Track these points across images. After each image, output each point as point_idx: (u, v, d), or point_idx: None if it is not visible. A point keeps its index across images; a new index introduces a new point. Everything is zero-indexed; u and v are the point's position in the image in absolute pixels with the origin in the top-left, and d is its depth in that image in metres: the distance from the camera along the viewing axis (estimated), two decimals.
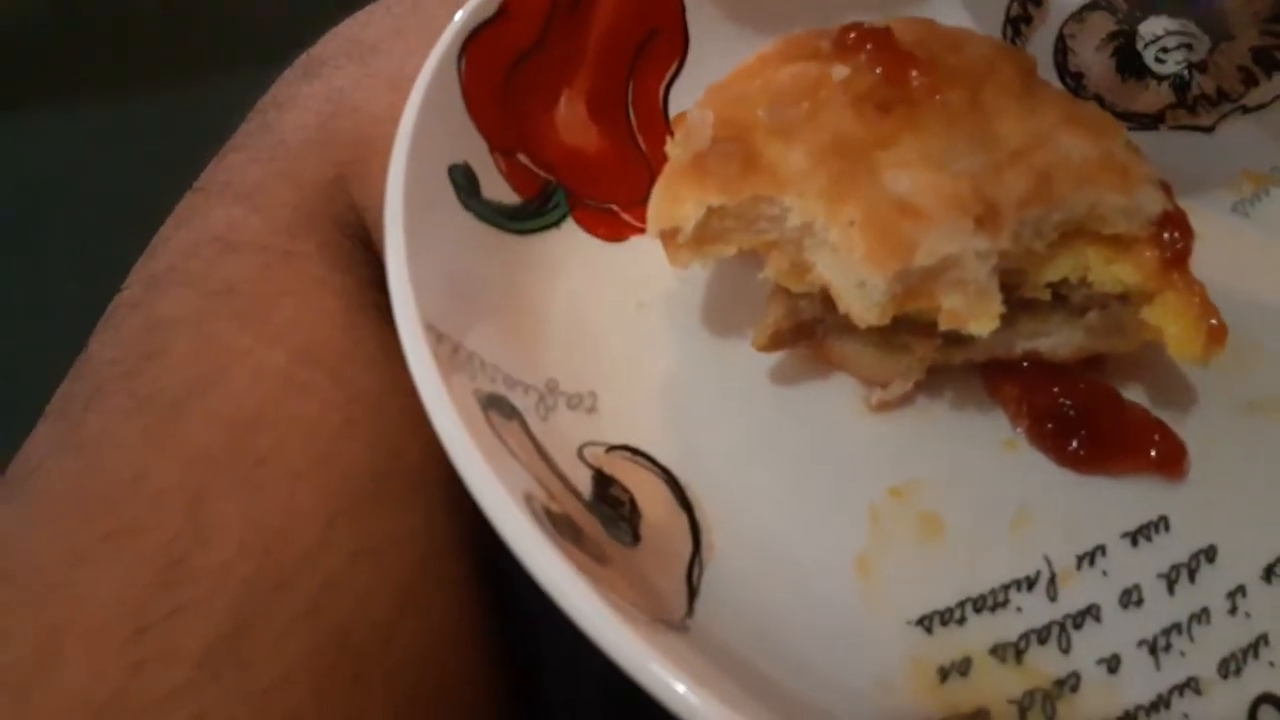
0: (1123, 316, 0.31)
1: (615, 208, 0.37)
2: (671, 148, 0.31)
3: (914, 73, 0.31)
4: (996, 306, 0.28)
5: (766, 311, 0.32)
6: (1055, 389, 0.32)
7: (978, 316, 0.28)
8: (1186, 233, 0.30)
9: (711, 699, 0.20)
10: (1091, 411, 0.31)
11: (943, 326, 0.29)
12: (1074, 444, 0.31)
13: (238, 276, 0.33)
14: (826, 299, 0.30)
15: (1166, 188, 0.30)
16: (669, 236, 0.31)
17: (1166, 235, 0.30)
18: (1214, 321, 0.29)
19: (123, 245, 0.37)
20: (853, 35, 0.32)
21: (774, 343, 0.32)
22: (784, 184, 0.29)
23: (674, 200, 0.30)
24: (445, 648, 0.31)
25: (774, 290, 0.32)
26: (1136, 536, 0.29)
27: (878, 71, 0.31)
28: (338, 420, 0.31)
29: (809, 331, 0.32)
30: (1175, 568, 0.29)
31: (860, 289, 0.28)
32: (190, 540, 0.27)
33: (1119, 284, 0.30)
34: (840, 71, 0.31)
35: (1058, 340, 0.32)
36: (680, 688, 0.20)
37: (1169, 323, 0.30)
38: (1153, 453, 0.30)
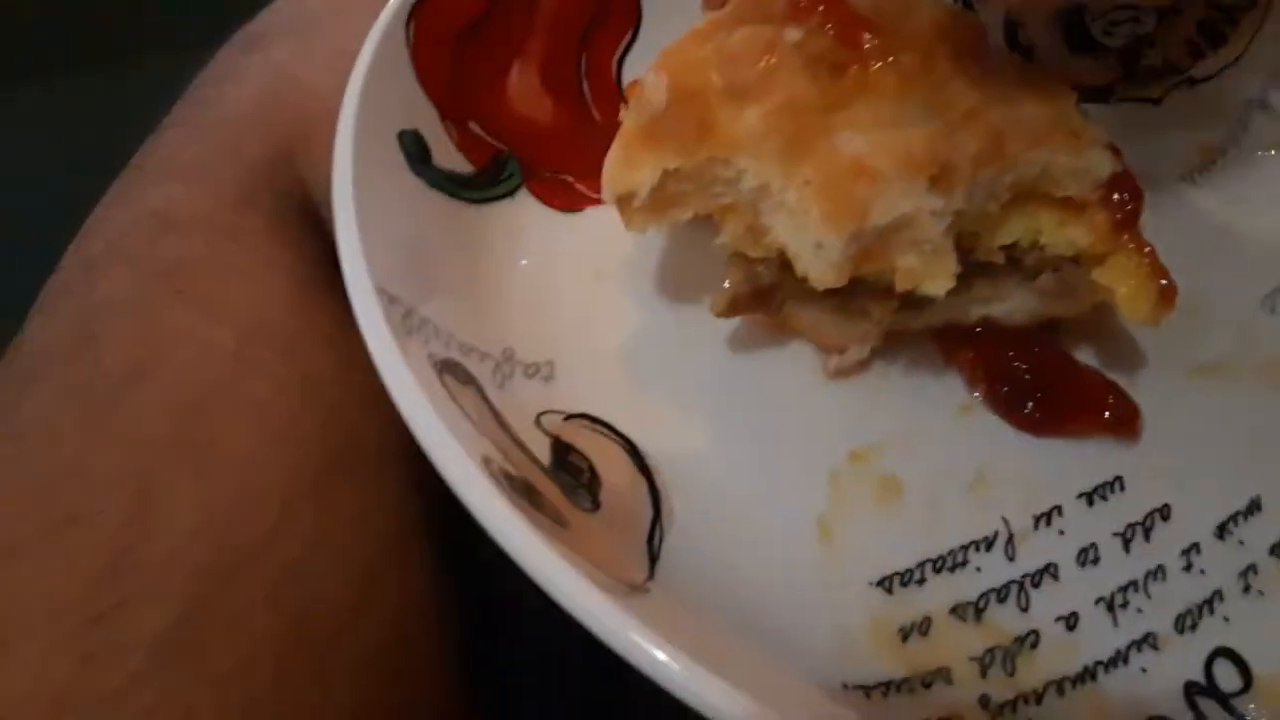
0: (1075, 279, 0.31)
1: (570, 178, 0.37)
2: (625, 114, 0.31)
3: (867, 35, 0.30)
4: (951, 265, 0.28)
5: (725, 277, 0.32)
6: (1010, 354, 0.32)
7: (933, 275, 0.28)
8: (1136, 195, 0.30)
9: (680, 656, 0.20)
10: (1046, 375, 0.31)
11: (899, 287, 0.29)
12: (1029, 407, 0.31)
13: (180, 255, 0.32)
14: (784, 264, 0.30)
15: (1116, 151, 0.31)
16: (625, 201, 0.30)
17: (1116, 197, 0.30)
18: (1164, 282, 0.29)
19: (58, 229, 0.36)
20: None
21: (732, 308, 0.32)
22: (739, 146, 0.29)
23: (629, 164, 0.30)
24: (410, 631, 0.30)
25: (731, 256, 0.32)
26: (1092, 496, 0.29)
27: (830, 33, 0.30)
28: (290, 401, 0.30)
29: (767, 297, 0.32)
30: (1131, 526, 0.29)
31: (817, 250, 0.28)
32: (138, 528, 0.27)
33: (1071, 246, 0.30)
34: (793, 34, 0.30)
35: (1012, 305, 0.32)
36: (649, 647, 0.20)
37: (1120, 283, 0.30)
38: (1106, 415, 0.31)
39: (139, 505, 0.27)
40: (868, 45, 0.30)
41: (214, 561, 0.27)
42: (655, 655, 0.20)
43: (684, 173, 0.29)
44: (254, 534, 0.28)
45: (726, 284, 0.32)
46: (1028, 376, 0.31)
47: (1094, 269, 0.30)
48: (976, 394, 0.32)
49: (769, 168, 0.28)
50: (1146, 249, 0.30)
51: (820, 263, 0.28)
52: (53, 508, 0.27)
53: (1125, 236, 0.30)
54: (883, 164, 0.28)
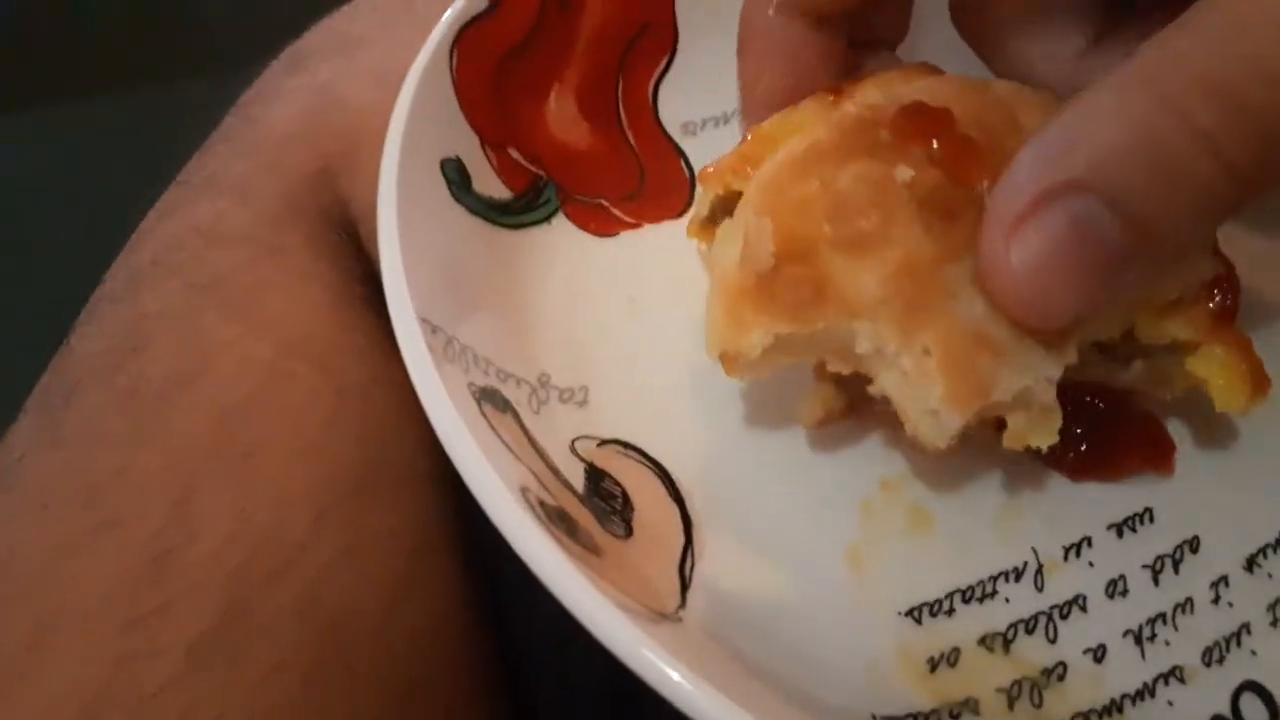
0: (1168, 366, 0.30)
1: (605, 203, 0.37)
2: (729, 261, 0.29)
3: (978, 174, 0.28)
4: (1057, 421, 0.27)
5: (814, 391, 0.31)
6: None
7: (1039, 433, 0.28)
8: (1235, 290, 0.29)
9: (704, 685, 0.21)
10: (1090, 421, 0.31)
11: (1006, 445, 0.28)
12: (1070, 456, 0.30)
13: (223, 269, 0.33)
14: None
15: (1217, 250, 0.30)
16: (730, 359, 0.29)
17: (1216, 293, 0.29)
18: (1258, 375, 0.29)
19: (102, 240, 0.37)
20: (910, 123, 0.29)
21: (826, 421, 0.31)
22: (856, 311, 0.27)
23: (739, 325, 0.28)
24: (437, 640, 0.31)
25: (820, 372, 0.30)
26: (1122, 528, 0.30)
27: (939, 171, 0.28)
28: (325, 412, 0.31)
29: (861, 405, 0.31)
30: (1160, 558, 0.29)
31: (933, 417, 0.27)
32: (178, 532, 0.27)
33: (1167, 337, 0.29)
34: (904, 173, 0.28)
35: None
36: (674, 675, 0.21)
37: (1215, 375, 0.29)
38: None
39: (179, 509, 0.28)
40: (981, 188, 0.28)
41: (249, 567, 0.27)
42: (672, 678, 0.21)
43: (797, 336, 0.28)
44: (288, 541, 0.28)
45: (817, 398, 0.31)
46: (1075, 428, 0.31)
47: (1187, 358, 0.29)
48: None
49: (886, 331, 0.27)
50: (1244, 342, 0.29)
51: (935, 429, 0.27)
52: (97, 509, 0.28)
53: (1224, 330, 0.29)
54: (1002, 333, 0.26)
